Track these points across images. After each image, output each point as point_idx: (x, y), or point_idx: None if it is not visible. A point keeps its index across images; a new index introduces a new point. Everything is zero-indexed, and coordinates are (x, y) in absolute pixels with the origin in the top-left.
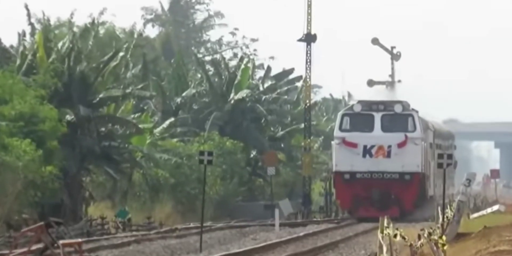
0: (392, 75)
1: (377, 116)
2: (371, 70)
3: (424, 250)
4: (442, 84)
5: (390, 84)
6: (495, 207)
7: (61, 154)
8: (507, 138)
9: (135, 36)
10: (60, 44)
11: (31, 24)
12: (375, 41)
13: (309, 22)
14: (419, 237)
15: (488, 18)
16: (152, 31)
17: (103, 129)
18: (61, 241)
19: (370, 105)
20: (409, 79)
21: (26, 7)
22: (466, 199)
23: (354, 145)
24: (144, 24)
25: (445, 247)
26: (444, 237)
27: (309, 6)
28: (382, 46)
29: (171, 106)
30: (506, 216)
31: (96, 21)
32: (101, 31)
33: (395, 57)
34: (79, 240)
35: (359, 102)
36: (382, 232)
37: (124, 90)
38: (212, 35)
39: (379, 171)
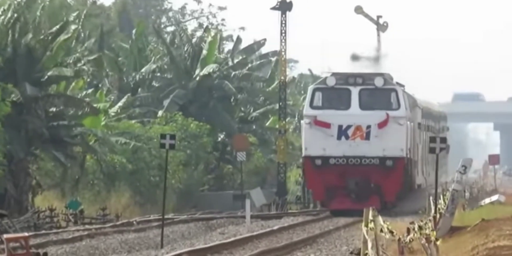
0: (378, 48)
1: (355, 91)
2: (355, 42)
3: (414, 246)
4: (433, 58)
5: (376, 58)
6: (494, 198)
7: (5, 137)
8: (508, 119)
9: (88, 4)
10: (0, 13)
11: None
12: (358, 10)
13: None
14: (408, 231)
15: None
16: None
17: (52, 109)
18: (5, 235)
19: (346, 78)
20: (397, 53)
21: None
22: (461, 188)
23: (327, 125)
24: None
25: (438, 242)
26: (435, 232)
27: None
28: (366, 15)
29: (129, 83)
30: (506, 207)
31: None
32: None
33: (381, 27)
34: (26, 234)
35: (333, 74)
36: (366, 225)
37: (75, 65)
38: (175, 2)
39: (357, 156)
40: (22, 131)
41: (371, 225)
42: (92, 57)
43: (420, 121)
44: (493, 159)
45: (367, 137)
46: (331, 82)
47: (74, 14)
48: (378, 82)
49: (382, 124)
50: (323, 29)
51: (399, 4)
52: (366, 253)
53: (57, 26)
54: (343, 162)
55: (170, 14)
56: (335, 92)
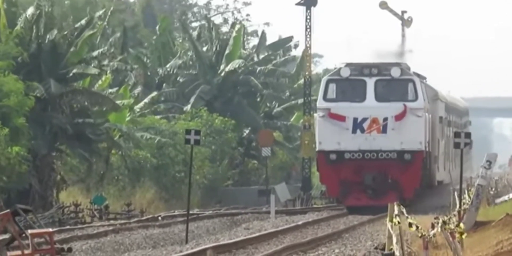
0: (402, 44)
1: (370, 82)
2: (379, 38)
3: (439, 241)
4: (458, 54)
5: (400, 54)
6: None
7: (30, 133)
8: None
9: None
10: (29, 10)
11: None
12: (383, 5)
13: None
14: (433, 226)
15: None
16: None
17: (76, 105)
18: (29, 231)
19: (361, 69)
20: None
21: None
22: (486, 183)
23: (341, 118)
24: None
25: (463, 236)
26: (461, 225)
27: None
28: (391, 11)
29: (154, 78)
30: None
31: None
32: None
33: (406, 23)
34: (50, 229)
35: (348, 65)
36: (391, 220)
37: (100, 63)
38: None
39: (373, 150)
40: (46, 127)
41: (395, 220)
42: (118, 59)
43: (442, 115)
44: None
45: (384, 130)
46: (346, 73)
47: (101, 11)
48: (395, 72)
49: (399, 116)
50: (348, 24)
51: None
52: (391, 248)
53: (82, 22)
54: (359, 156)
55: (195, 9)
56: (349, 84)
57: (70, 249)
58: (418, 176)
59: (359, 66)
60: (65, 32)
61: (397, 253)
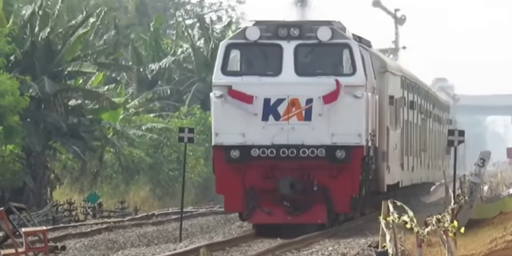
0: (396, 41)
1: (288, 48)
2: (373, 36)
3: (432, 239)
4: (452, 52)
5: (394, 51)
6: None
7: (24, 131)
8: None
9: None
10: (24, 8)
11: None
12: (376, 3)
13: None
14: (426, 224)
15: None
16: None
17: (71, 103)
18: (23, 229)
19: (275, 29)
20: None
21: None
22: (479, 181)
23: (247, 99)
24: None
25: (462, 231)
26: (455, 223)
27: None
28: (384, 9)
29: (148, 76)
30: None
31: None
32: None
33: (399, 21)
34: (44, 228)
35: (257, 23)
36: (385, 218)
37: (94, 60)
38: None
39: (292, 145)
40: (41, 125)
41: (389, 218)
42: (112, 57)
43: (395, 94)
44: (511, 152)
45: (307, 116)
46: (253, 34)
47: (97, 10)
48: (323, 34)
49: (329, 97)
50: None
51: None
52: (384, 246)
53: (76, 20)
54: (272, 154)
55: (188, 7)
56: (259, 50)
57: (63, 247)
58: (356, 180)
59: (272, 25)
60: (59, 30)
61: (390, 250)
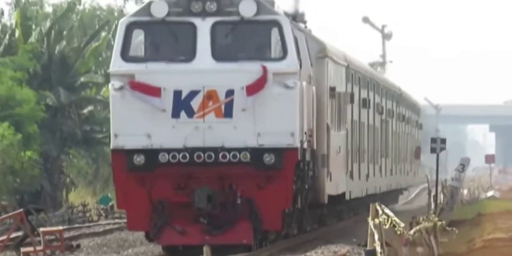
0: (383, 55)
1: (203, 27)
2: (362, 51)
3: (416, 239)
4: (436, 64)
5: (381, 64)
6: (490, 193)
7: (41, 138)
8: (503, 121)
9: (116, 14)
10: (42, 24)
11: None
12: (365, 20)
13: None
14: (411, 225)
15: None
16: (135, 8)
17: (84, 112)
18: (41, 229)
19: (187, 4)
20: (401, 60)
21: None
22: (459, 185)
23: (153, 92)
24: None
25: (438, 233)
26: (439, 223)
27: None
28: (373, 25)
29: None
30: (501, 202)
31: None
32: (85, 7)
33: (386, 36)
34: (60, 227)
35: None
36: (373, 219)
37: (106, 72)
38: None
39: (209, 148)
40: (57, 133)
41: (377, 219)
42: None
43: (337, 85)
44: (489, 159)
45: (228, 112)
46: (160, 10)
47: (106, 24)
48: (247, 8)
49: (254, 88)
50: (332, 38)
51: (404, 14)
52: (374, 245)
53: (89, 34)
54: (185, 159)
55: None
56: (167, 30)
57: (78, 246)
58: (289, 191)
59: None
60: (74, 45)
61: (378, 249)
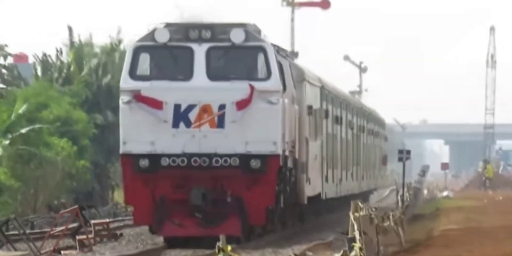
0: (360, 85)
1: (199, 51)
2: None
3: (387, 228)
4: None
5: (358, 92)
6: (445, 193)
7: (92, 150)
8: (455, 137)
9: None
10: (91, 61)
11: (72, 42)
12: (346, 58)
13: (292, 42)
14: (383, 218)
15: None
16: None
17: None
18: (92, 221)
19: (186, 31)
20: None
21: (70, 28)
22: (421, 186)
23: (156, 105)
24: None
25: (405, 223)
26: (402, 216)
27: (292, 28)
28: (352, 62)
29: None
30: (454, 201)
31: (117, 40)
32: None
33: (362, 70)
34: (107, 220)
35: (168, 25)
36: (353, 213)
37: None
38: None
39: (204, 154)
40: (104, 146)
41: (358, 214)
42: None
43: (314, 104)
44: (444, 166)
45: (220, 123)
46: (163, 36)
47: None
48: (237, 36)
49: (243, 103)
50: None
51: (377, 54)
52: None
53: None
54: (183, 163)
55: None
56: (169, 53)
57: (121, 234)
58: (272, 191)
59: (183, 27)
60: (117, 78)
61: (357, 236)
